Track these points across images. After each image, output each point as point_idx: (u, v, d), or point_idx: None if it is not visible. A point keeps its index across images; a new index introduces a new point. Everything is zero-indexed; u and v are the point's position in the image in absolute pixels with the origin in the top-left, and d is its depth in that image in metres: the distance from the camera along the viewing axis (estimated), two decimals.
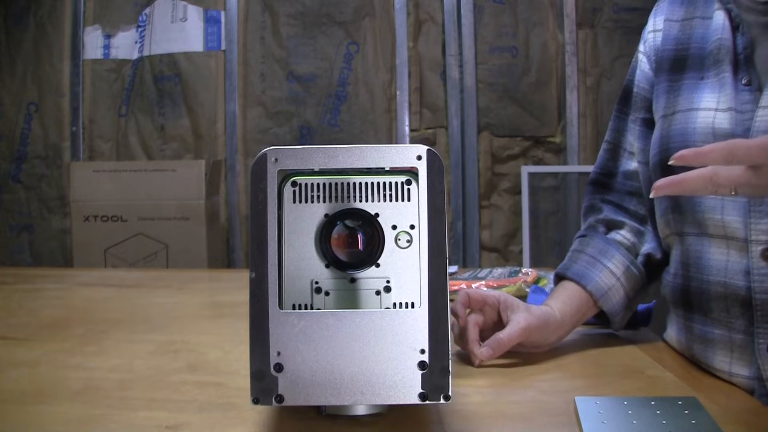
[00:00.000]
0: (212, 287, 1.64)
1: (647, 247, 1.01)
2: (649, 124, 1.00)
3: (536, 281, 1.28)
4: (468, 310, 0.92)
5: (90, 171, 2.63)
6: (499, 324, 0.92)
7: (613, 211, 1.04)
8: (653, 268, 1.01)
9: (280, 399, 0.62)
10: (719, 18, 0.91)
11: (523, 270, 1.35)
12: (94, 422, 0.69)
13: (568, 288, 0.98)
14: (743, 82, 0.86)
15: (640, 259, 1.00)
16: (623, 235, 1.02)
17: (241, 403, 0.72)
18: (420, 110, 2.94)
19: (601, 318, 1.01)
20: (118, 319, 1.17)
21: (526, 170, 2.80)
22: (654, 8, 1.04)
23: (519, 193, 2.84)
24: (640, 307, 1.07)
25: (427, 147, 0.63)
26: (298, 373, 0.62)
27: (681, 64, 0.95)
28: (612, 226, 1.04)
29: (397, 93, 2.92)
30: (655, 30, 1.01)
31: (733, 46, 0.88)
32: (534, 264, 2.77)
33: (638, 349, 0.94)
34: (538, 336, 0.91)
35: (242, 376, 0.65)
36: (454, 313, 0.91)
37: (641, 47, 1.04)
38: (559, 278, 1.02)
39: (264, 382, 0.62)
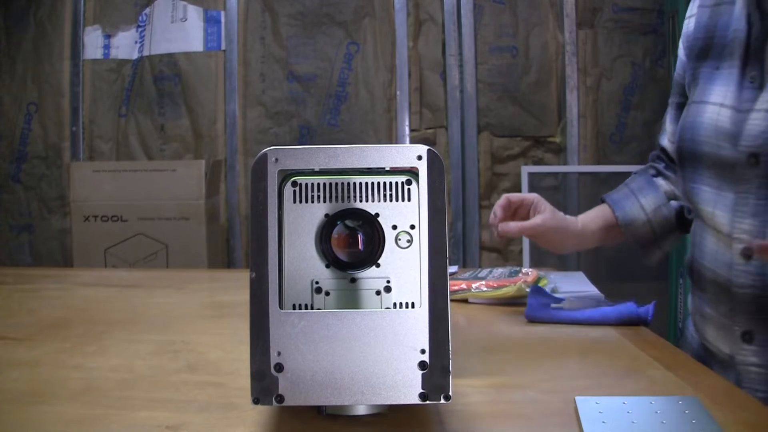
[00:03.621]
0: (212, 287, 1.64)
1: (683, 201, 1.09)
2: (681, 108, 1.04)
3: (536, 281, 1.28)
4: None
5: (90, 171, 2.63)
6: None
7: (665, 165, 1.14)
8: (685, 220, 1.09)
9: (280, 399, 0.62)
10: (739, 6, 0.90)
11: (523, 270, 1.35)
12: (94, 422, 0.69)
13: (602, 209, 1.13)
14: (749, 78, 0.85)
15: (674, 204, 1.09)
16: (666, 183, 1.12)
17: (241, 403, 0.72)
18: (420, 110, 2.94)
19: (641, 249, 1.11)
20: (118, 319, 1.17)
21: (526, 170, 2.80)
22: None
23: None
24: (641, 307, 1.07)
25: (428, 147, 0.63)
26: (299, 373, 0.62)
27: (705, 52, 0.95)
28: (660, 173, 1.13)
29: (397, 93, 2.92)
30: (690, 16, 1.01)
31: (747, 36, 0.87)
32: (534, 264, 2.77)
33: (638, 349, 0.93)
34: (553, 236, 1.07)
35: (242, 376, 0.65)
36: (494, 213, 1.08)
37: (683, 31, 1.05)
38: (601, 201, 1.15)
39: (264, 382, 0.62)
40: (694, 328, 1.00)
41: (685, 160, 0.95)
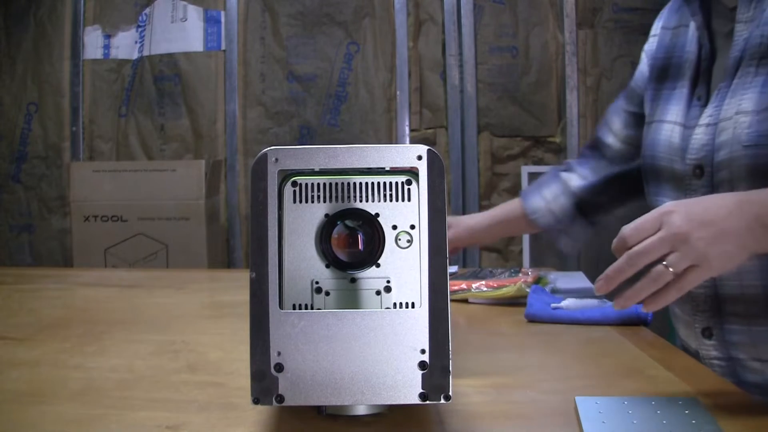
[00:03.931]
0: (212, 287, 1.64)
1: (580, 189, 1.23)
2: (634, 117, 1.15)
3: (536, 281, 1.28)
4: None
5: (90, 171, 2.63)
6: None
7: (578, 161, 1.26)
8: (589, 213, 1.23)
9: (280, 399, 0.62)
10: (691, 28, 0.97)
11: (524, 270, 1.35)
12: (94, 422, 0.69)
13: (514, 203, 1.31)
14: (696, 97, 0.93)
15: (574, 193, 1.23)
16: (574, 176, 1.24)
17: (241, 403, 0.72)
18: (420, 110, 2.94)
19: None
20: (118, 319, 1.17)
21: (526, 170, 2.80)
22: (660, 12, 1.12)
23: (519, 193, 2.84)
24: (641, 307, 1.07)
25: (428, 147, 0.63)
26: (299, 373, 0.62)
27: (665, 73, 1.02)
28: (570, 169, 1.26)
29: (397, 93, 2.92)
30: (654, 35, 1.10)
31: (697, 57, 0.95)
32: (534, 264, 2.77)
33: (638, 349, 0.94)
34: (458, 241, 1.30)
35: (242, 376, 0.65)
36: None
37: (645, 48, 1.13)
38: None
39: (264, 382, 0.62)
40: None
41: (648, 176, 1.03)
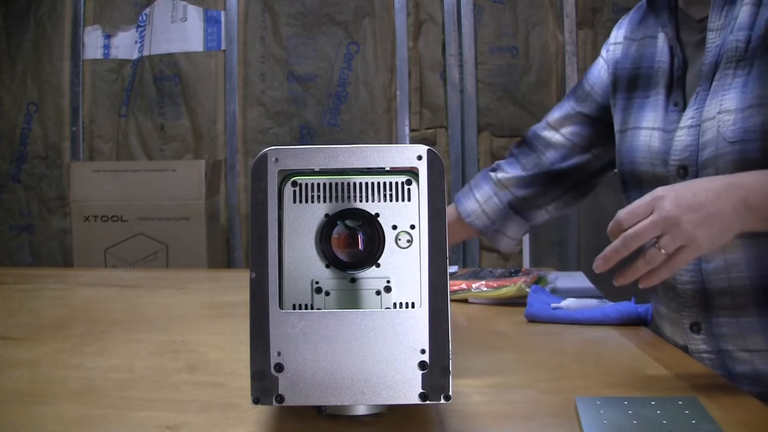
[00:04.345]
0: (212, 287, 1.64)
1: (511, 186, 1.23)
2: (582, 116, 1.18)
3: (536, 281, 1.28)
4: None
5: (90, 171, 2.63)
6: None
7: (506, 161, 1.28)
8: (523, 209, 1.24)
9: (280, 399, 0.62)
10: (660, 40, 1.01)
11: (523, 270, 1.35)
12: (94, 422, 0.69)
13: (448, 208, 1.24)
14: (672, 103, 0.97)
15: (504, 193, 1.23)
16: (502, 174, 1.25)
17: (241, 403, 0.72)
18: (420, 110, 2.94)
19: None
20: (118, 319, 1.17)
21: None
22: (618, 22, 1.16)
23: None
24: (641, 306, 1.07)
25: (428, 147, 0.64)
26: (299, 373, 0.62)
27: (634, 83, 1.06)
28: (498, 168, 1.28)
29: (397, 93, 2.92)
30: (616, 43, 1.13)
31: (670, 67, 0.99)
32: (534, 264, 2.77)
33: (638, 349, 0.94)
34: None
35: (242, 376, 0.65)
36: None
37: (603, 54, 1.17)
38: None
39: (264, 382, 0.62)
40: (654, 330, 1.08)
41: (628, 182, 1.05)
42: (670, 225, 0.74)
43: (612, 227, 0.77)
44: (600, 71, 1.17)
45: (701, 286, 0.93)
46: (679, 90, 0.97)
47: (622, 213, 0.77)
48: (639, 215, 0.75)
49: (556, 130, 1.21)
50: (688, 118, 0.93)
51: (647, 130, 1.00)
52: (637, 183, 1.03)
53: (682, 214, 0.74)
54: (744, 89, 0.87)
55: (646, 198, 0.77)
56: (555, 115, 1.23)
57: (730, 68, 0.89)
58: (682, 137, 0.93)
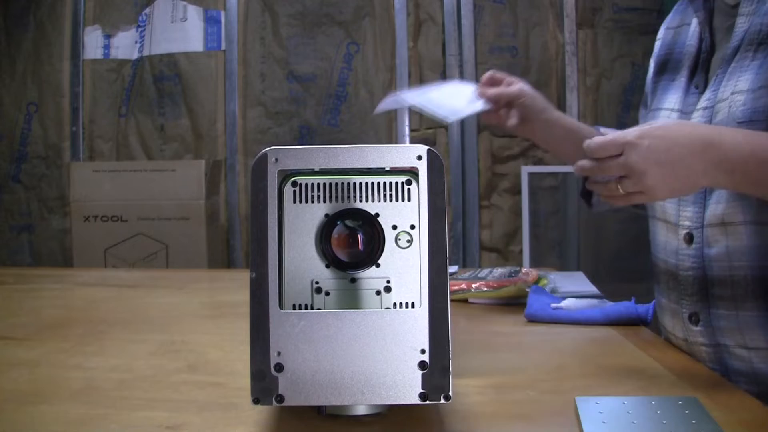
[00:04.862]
0: (212, 287, 1.64)
1: None
2: None
3: (536, 281, 1.28)
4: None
5: (90, 171, 2.63)
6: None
7: None
8: None
9: (280, 399, 0.62)
10: (693, 25, 1.02)
11: (523, 270, 1.35)
12: (94, 422, 0.69)
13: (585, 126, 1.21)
14: (694, 85, 0.97)
15: None
16: None
17: (241, 403, 0.72)
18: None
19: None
20: (118, 319, 1.17)
21: (526, 170, 2.80)
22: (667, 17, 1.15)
23: (519, 193, 2.84)
24: (640, 306, 1.07)
25: (428, 147, 0.64)
26: (299, 373, 0.62)
27: (663, 67, 1.06)
28: None
29: None
30: (659, 39, 1.13)
31: (697, 50, 0.99)
32: (534, 264, 2.77)
33: (638, 349, 0.94)
34: (532, 102, 1.13)
35: (242, 376, 0.65)
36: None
37: (654, 53, 1.15)
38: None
39: (264, 382, 0.62)
40: (657, 324, 1.08)
41: None
42: (634, 173, 0.78)
43: (584, 149, 0.82)
44: (649, 72, 1.16)
45: (702, 273, 0.92)
46: (702, 73, 0.97)
47: (594, 142, 0.80)
48: (608, 151, 0.80)
49: None
50: (705, 99, 0.93)
51: (666, 111, 1.01)
52: None
53: (648, 168, 0.78)
54: (759, 71, 0.87)
55: (619, 139, 0.79)
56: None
57: (750, 50, 0.89)
58: (696, 119, 0.93)
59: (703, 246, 0.92)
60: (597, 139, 0.81)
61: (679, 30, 1.06)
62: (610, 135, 0.81)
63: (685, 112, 0.97)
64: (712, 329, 0.92)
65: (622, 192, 0.80)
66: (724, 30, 0.96)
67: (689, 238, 0.93)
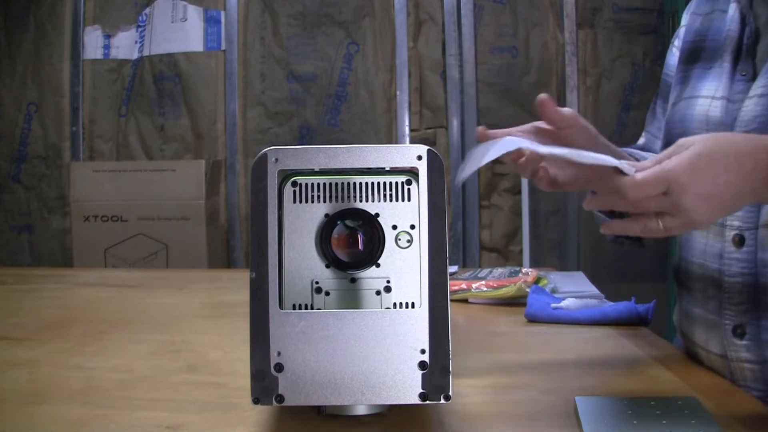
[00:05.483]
0: (212, 287, 1.64)
1: None
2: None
3: (536, 281, 1.28)
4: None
5: (90, 171, 2.63)
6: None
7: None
8: None
9: (280, 399, 0.62)
10: (732, 10, 0.94)
11: (523, 270, 1.35)
12: (94, 422, 0.69)
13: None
14: (741, 72, 0.89)
15: None
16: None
17: (241, 403, 0.72)
18: (420, 110, 2.94)
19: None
20: (118, 319, 1.17)
21: None
22: (689, 4, 1.07)
23: (519, 193, 2.84)
24: (641, 306, 1.07)
25: (428, 147, 0.64)
26: (299, 373, 0.62)
27: (696, 55, 0.98)
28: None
29: (397, 93, 2.92)
30: (684, 25, 1.05)
31: (739, 36, 0.91)
32: (534, 264, 2.77)
33: (638, 349, 0.94)
34: (578, 122, 0.94)
35: (242, 376, 0.65)
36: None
37: (675, 42, 1.07)
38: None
39: (264, 382, 0.62)
40: (681, 337, 0.99)
41: None
42: (679, 211, 0.70)
43: (619, 187, 0.71)
44: (675, 59, 1.07)
45: (753, 280, 0.82)
46: (748, 60, 0.89)
47: (633, 182, 0.70)
48: (651, 191, 0.70)
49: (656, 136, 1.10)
50: (759, 86, 0.85)
51: (706, 99, 0.92)
52: None
53: (697, 205, 0.69)
54: None
55: (661, 175, 0.69)
56: (653, 125, 1.12)
57: None
58: (750, 107, 0.85)
59: (756, 249, 0.82)
60: (636, 179, 0.70)
61: (711, 16, 0.99)
62: (649, 170, 0.70)
63: (732, 100, 0.88)
64: (761, 343, 0.82)
65: (663, 229, 0.71)
66: (767, 17, 0.89)
67: (739, 241, 0.84)
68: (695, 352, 0.92)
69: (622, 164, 0.71)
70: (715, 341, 0.86)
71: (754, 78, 0.87)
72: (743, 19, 0.91)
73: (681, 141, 0.73)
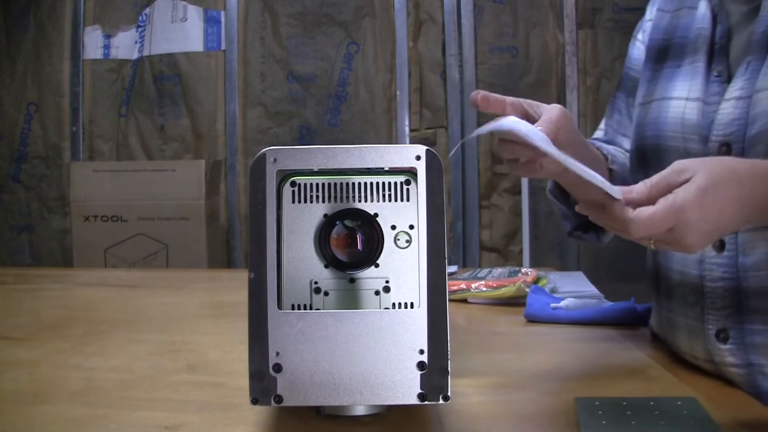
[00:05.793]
0: (212, 287, 1.64)
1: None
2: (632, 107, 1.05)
3: (536, 281, 1.28)
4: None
5: (90, 171, 2.63)
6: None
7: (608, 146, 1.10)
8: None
9: (279, 399, 0.62)
10: (702, 8, 0.92)
11: (523, 270, 1.35)
12: (94, 422, 0.69)
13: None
14: (715, 73, 0.88)
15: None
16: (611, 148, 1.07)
17: (240, 403, 0.72)
18: (420, 110, 2.94)
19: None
20: (118, 319, 1.17)
21: None
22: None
23: (519, 193, 2.84)
24: (640, 306, 1.07)
25: (426, 147, 0.64)
26: (297, 373, 0.62)
27: (664, 53, 0.97)
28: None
29: (397, 93, 2.92)
30: (650, 20, 1.05)
31: (711, 35, 0.89)
32: (534, 264, 2.77)
33: (638, 349, 0.94)
34: (567, 125, 0.90)
35: (242, 376, 0.65)
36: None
37: (639, 36, 1.07)
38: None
39: (263, 382, 0.62)
40: (663, 342, 0.97)
41: (649, 159, 0.94)
42: (678, 243, 0.70)
43: (625, 220, 0.69)
44: (640, 53, 1.06)
45: (735, 284, 0.82)
46: (722, 59, 0.88)
47: (638, 222, 0.68)
48: (653, 232, 0.69)
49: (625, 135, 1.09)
50: (736, 89, 0.84)
51: (680, 100, 0.90)
52: (660, 160, 0.90)
53: (697, 241, 0.70)
54: None
55: (670, 212, 0.68)
56: (613, 118, 1.11)
57: None
58: (727, 110, 0.84)
59: (737, 254, 0.82)
60: (643, 217, 0.68)
61: (679, 14, 0.97)
62: (659, 209, 0.68)
63: (708, 102, 0.87)
64: (745, 347, 0.82)
65: (653, 248, 0.72)
66: (741, 15, 0.88)
67: (720, 245, 0.83)
68: (681, 359, 0.91)
69: (612, 189, 0.70)
70: (700, 348, 0.86)
71: (729, 79, 0.86)
72: (715, 18, 0.90)
73: (678, 166, 0.71)
